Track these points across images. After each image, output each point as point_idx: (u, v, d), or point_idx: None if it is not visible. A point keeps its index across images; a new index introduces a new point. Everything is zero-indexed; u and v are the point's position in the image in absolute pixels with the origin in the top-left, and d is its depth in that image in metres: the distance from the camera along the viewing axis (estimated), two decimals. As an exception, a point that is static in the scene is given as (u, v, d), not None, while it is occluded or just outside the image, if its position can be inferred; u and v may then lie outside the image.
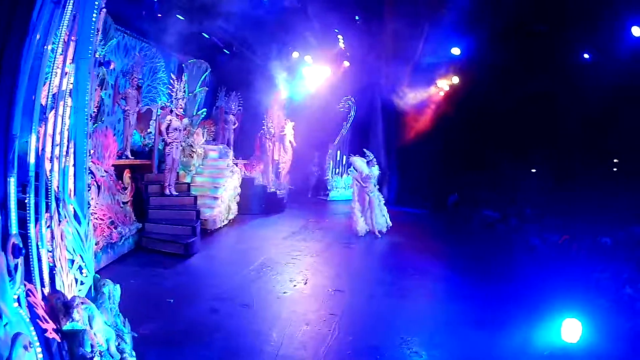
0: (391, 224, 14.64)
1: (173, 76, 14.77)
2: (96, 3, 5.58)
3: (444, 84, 22.05)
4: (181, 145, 13.03)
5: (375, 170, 14.37)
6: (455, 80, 21.57)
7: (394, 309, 8.14)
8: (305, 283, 9.29)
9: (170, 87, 14.11)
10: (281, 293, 8.62)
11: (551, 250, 12.28)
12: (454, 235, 15.88)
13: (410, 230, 15.73)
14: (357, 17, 18.24)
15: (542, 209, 16.51)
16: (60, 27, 4.87)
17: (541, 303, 7.95)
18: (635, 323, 7.37)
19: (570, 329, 6.31)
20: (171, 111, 12.98)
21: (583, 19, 14.42)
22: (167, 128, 12.48)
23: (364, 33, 19.03)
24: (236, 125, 17.81)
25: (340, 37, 19.76)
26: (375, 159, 14.61)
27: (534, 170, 21.18)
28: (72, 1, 4.91)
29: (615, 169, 18.98)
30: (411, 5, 16.90)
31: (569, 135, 17.35)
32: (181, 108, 13.30)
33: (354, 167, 14.63)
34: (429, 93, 22.20)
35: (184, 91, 14.11)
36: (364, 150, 14.99)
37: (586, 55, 16.43)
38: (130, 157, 12.70)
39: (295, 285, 9.10)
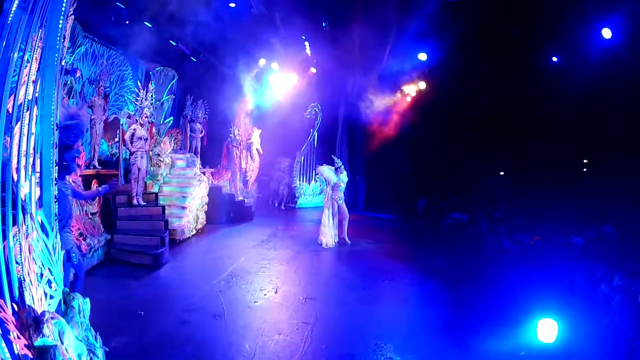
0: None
1: (139, 84, 14.57)
2: (63, 9, 5.47)
3: (411, 90, 22.26)
4: (146, 154, 12.84)
5: (344, 177, 14.30)
6: (422, 85, 21.80)
7: (367, 315, 8.14)
8: (276, 292, 9.22)
9: (135, 95, 13.98)
10: (252, 302, 8.54)
11: (523, 252, 12.43)
12: (424, 239, 15.98)
13: (380, 235, 15.78)
14: (324, 24, 18.30)
15: (511, 210, 16.73)
16: (28, 33, 4.77)
17: (516, 304, 8.05)
18: (611, 320, 7.50)
19: (546, 329, 6.39)
20: (136, 120, 12.83)
21: (551, 22, 14.68)
22: (132, 137, 12.34)
23: (330, 39, 19.12)
24: (203, 133, 17.64)
25: (306, 43, 19.80)
26: (343, 166, 14.54)
27: (502, 173, 21.51)
28: (39, 6, 4.81)
29: (585, 170, 19.37)
30: (378, 10, 17.01)
31: (538, 137, 17.61)
32: (146, 117, 13.10)
33: (322, 177, 14.57)
34: (396, 99, 22.39)
35: (150, 99, 13.88)
36: (333, 157, 14.94)
37: (554, 59, 16.69)
38: (97, 166, 12.51)
39: (266, 294, 9.02)
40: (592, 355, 6.54)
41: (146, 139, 12.72)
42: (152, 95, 13.93)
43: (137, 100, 13.63)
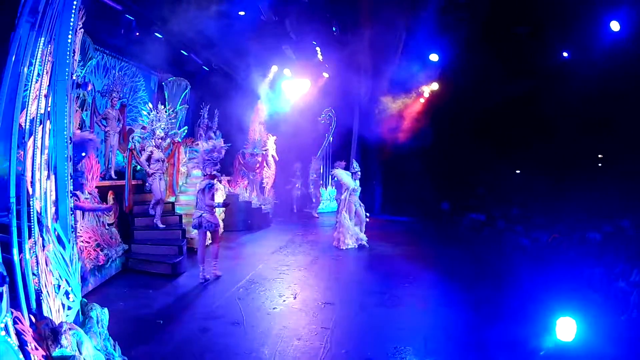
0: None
1: (150, 105, 14.37)
2: (71, 23, 5.52)
3: (424, 91, 22.20)
4: (164, 176, 12.56)
5: (357, 183, 14.32)
6: (435, 87, 21.73)
7: (386, 319, 8.10)
8: (295, 297, 9.21)
9: (144, 118, 13.75)
10: (271, 309, 8.53)
11: (541, 250, 12.33)
12: (442, 240, 15.90)
13: (397, 238, 15.73)
14: (334, 28, 18.30)
15: (528, 209, 16.61)
16: (37, 48, 4.82)
17: (534, 303, 8.01)
18: (630, 315, 7.42)
19: (565, 328, 6.32)
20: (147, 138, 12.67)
21: (559, 17, 14.57)
22: (149, 159, 12.18)
23: (341, 44, 19.09)
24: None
25: (318, 49, 19.80)
26: (359, 171, 14.52)
27: (518, 172, 21.37)
28: (47, 21, 4.87)
29: (600, 164, 19.21)
30: (388, 13, 16.98)
31: (551, 134, 17.51)
32: (160, 139, 12.76)
33: (339, 180, 14.52)
34: (409, 101, 22.33)
35: (164, 119, 13.57)
36: (353, 160, 14.89)
37: (565, 54, 16.57)
38: (114, 177, 12.56)
39: (284, 300, 9.01)
40: (611, 352, 6.46)
41: (164, 160, 12.50)
42: (165, 115, 13.68)
43: (147, 119, 13.35)
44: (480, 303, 8.81)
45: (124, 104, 13.18)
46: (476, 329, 7.48)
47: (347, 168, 14.87)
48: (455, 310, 8.53)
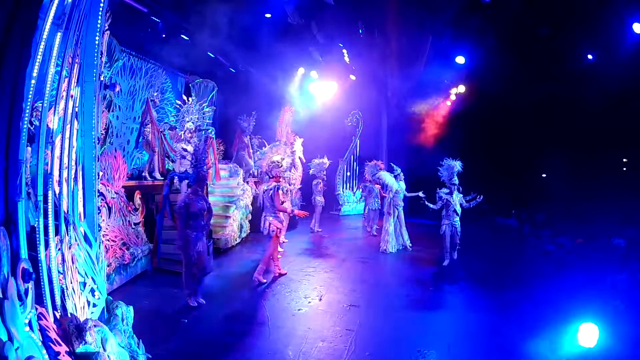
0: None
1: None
2: (98, 25, 5.59)
3: (451, 94, 22.08)
4: None
5: (402, 184, 14.37)
6: (462, 89, 21.59)
7: (411, 322, 8.05)
8: (320, 299, 9.20)
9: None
10: (296, 310, 8.55)
11: (566, 255, 12.20)
12: (467, 244, 15.71)
13: (423, 241, 15.59)
14: (360, 30, 18.28)
15: (553, 213, 16.43)
16: (64, 49, 4.90)
17: (558, 308, 7.90)
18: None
19: (587, 334, 6.22)
20: None
21: (583, 19, 14.41)
22: None
23: (368, 46, 19.08)
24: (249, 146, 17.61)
25: (344, 51, 19.80)
26: (402, 174, 14.58)
27: (544, 175, 21.14)
28: (74, 23, 4.93)
29: (624, 169, 18.96)
30: (414, 15, 16.92)
31: (576, 137, 17.32)
32: None
33: (383, 183, 14.58)
34: (436, 103, 22.23)
35: None
36: (391, 164, 14.93)
37: (589, 56, 16.36)
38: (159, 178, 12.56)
39: (310, 302, 9.02)
40: (633, 359, 6.34)
41: None
42: None
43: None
44: (504, 308, 8.75)
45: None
46: (500, 334, 7.42)
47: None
48: (479, 314, 8.48)
